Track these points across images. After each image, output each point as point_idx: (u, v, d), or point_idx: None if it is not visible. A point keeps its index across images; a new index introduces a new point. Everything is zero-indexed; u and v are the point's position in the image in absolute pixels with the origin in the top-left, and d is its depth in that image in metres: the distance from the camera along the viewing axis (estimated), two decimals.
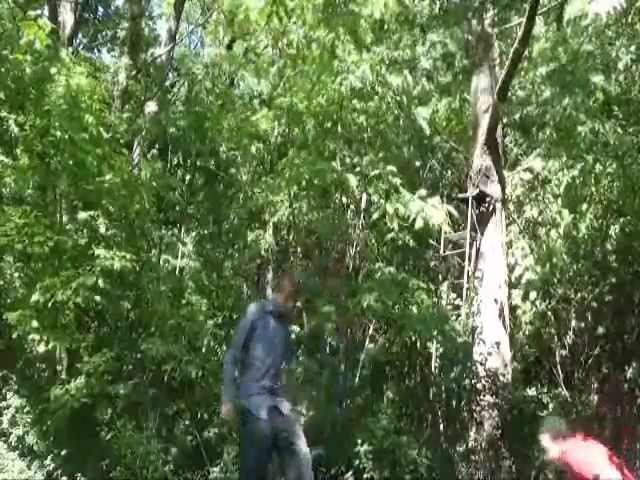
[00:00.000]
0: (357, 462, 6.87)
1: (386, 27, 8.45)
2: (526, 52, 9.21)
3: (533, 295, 8.81)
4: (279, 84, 10.16)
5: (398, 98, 8.73)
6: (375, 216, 8.16)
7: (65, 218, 8.19)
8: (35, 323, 6.59)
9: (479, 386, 7.49)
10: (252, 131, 10.05)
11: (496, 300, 9.00)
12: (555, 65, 7.65)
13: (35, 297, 6.57)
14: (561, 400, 8.33)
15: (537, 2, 7.59)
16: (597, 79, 7.12)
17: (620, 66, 7.12)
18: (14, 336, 7.08)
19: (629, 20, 7.00)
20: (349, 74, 7.92)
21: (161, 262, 8.90)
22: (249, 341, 4.46)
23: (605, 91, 7.26)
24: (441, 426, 7.74)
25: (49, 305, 6.62)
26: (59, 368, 7.93)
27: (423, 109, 8.96)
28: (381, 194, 8.68)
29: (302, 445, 4.30)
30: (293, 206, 9.33)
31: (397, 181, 7.74)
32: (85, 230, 7.94)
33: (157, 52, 11.77)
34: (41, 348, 6.81)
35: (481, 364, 7.64)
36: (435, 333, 7.64)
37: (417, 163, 11.83)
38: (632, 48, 7.23)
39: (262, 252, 10.76)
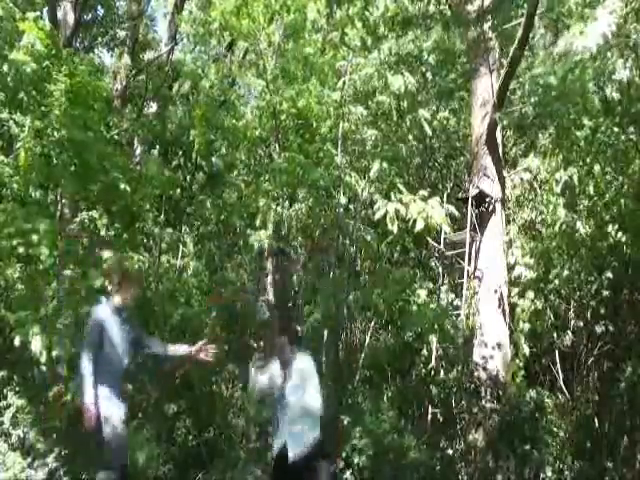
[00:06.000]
0: (356, 461, 6.89)
1: (386, 26, 8.45)
2: (527, 52, 9.22)
3: (531, 294, 8.81)
4: (270, 83, 10.16)
5: (400, 101, 8.73)
6: (377, 216, 8.16)
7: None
8: (37, 329, 6.54)
9: (479, 386, 7.50)
10: (248, 133, 10.07)
11: (496, 300, 9.01)
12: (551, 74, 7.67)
13: (43, 312, 6.56)
14: (561, 400, 8.35)
15: (535, 9, 7.61)
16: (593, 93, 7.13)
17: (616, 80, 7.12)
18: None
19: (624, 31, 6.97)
20: (352, 75, 7.93)
21: (161, 262, 8.90)
22: (101, 344, 4.38)
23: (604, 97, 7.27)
24: (441, 426, 7.76)
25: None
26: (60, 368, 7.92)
27: (425, 111, 8.94)
28: (382, 194, 8.68)
29: None
30: (293, 206, 9.35)
31: (398, 181, 7.76)
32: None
33: (157, 52, 11.78)
34: (43, 358, 6.72)
35: (481, 364, 7.65)
36: (435, 331, 7.66)
37: (418, 162, 11.86)
38: (629, 63, 7.19)
39: (262, 252, 10.77)
